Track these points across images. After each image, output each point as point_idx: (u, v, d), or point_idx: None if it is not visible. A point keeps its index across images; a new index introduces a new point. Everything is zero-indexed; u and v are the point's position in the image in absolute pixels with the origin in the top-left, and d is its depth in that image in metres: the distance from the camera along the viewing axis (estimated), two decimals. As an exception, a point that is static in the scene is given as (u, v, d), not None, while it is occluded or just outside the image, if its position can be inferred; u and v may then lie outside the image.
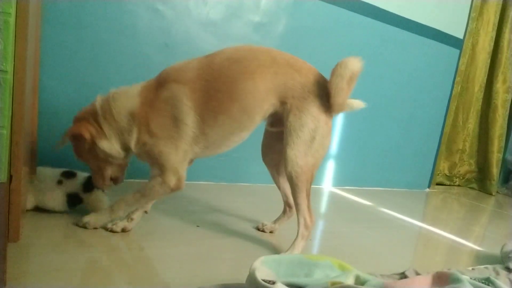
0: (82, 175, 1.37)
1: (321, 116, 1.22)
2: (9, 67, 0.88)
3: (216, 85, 1.18)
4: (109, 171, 1.28)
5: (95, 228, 1.24)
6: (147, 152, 1.20)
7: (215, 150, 1.30)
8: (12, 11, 0.86)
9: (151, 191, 1.22)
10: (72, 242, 1.15)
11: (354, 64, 1.18)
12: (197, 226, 1.44)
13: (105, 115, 1.18)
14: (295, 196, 1.24)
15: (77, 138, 1.19)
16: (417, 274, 1.18)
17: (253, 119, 1.23)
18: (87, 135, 1.17)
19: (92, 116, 1.19)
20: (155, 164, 1.22)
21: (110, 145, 1.19)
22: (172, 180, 1.20)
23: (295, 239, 1.25)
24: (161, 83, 1.21)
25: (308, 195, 1.24)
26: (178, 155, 1.20)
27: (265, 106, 1.22)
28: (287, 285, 0.87)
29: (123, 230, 1.27)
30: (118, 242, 1.20)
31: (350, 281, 0.93)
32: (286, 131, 1.22)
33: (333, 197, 2.35)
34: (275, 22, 2.16)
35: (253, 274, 0.88)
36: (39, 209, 1.33)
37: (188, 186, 1.85)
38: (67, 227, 1.24)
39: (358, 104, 1.27)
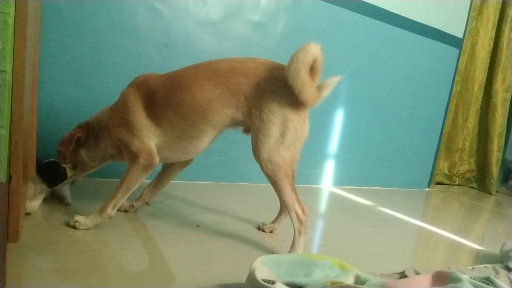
0: None
1: (286, 109, 1.18)
2: (8, 67, 0.88)
3: (154, 95, 1.27)
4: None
5: (86, 229, 1.24)
6: (116, 142, 1.32)
7: (174, 153, 1.33)
8: (11, 11, 0.86)
9: (129, 176, 1.26)
10: (72, 242, 1.15)
11: (308, 54, 1.12)
12: (197, 226, 1.44)
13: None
14: (278, 193, 1.23)
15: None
16: (417, 273, 1.18)
17: (200, 129, 1.25)
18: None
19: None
20: (125, 153, 1.30)
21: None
22: (140, 158, 1.25)
23: (294, 237, 1.25)
24: None
25: (293, 190, 1.23)
26: (135, 138, 1.26)
27: (213, 117, 1.23)
28: (286, 285, 0.87)
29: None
30: (118, 243, 1.20)
31: (350, 280, 0.94)
32: (252, 133, 1.22)
33: (332, 197, 2.35)
34: (275, 21, 2.16)
35: (252, 274, 0.88)
36: (40, 211, 1.33)
37: (187, 186, 1.85)
38: (67, 228, 1.24)
39: (332, 82, 1.20)
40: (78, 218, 1.25)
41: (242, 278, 0.94)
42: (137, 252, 1.15)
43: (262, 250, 1.31)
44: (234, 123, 1.28)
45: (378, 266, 1.30)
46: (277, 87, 1.18)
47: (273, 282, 0.84)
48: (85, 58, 1.75)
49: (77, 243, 1.14)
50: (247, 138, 1.45)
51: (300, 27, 2.24)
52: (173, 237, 1.30)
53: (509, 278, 1.23)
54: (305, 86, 1.13)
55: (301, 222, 1.24)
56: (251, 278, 0.87)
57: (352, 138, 2.64)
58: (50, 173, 1.36)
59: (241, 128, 1.35)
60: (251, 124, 1.22)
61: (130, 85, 1.35)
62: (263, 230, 1.49)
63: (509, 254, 1.40)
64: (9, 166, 0.95)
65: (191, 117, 1.23)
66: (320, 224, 1.74)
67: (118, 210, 1.44)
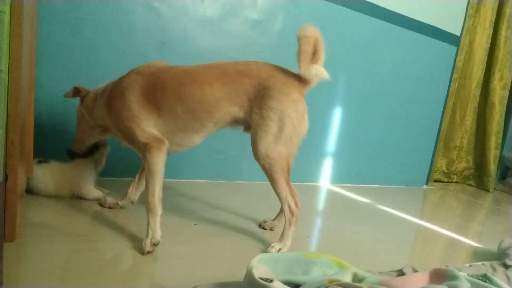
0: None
1: (284, 106, 1.24)
2: (4, 66, 0.88)
3: (165, 86, 1.27)
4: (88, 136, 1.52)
5: (155, 245, 1.17)
6: (116, 130, 1.32)
7: (171, 145, 1.33)
8: (7, 9, 0.85)
9: (150, 163, 1.23)
10: (69, 241, 1.15)
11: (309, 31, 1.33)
12: (195, 224, 1.44)
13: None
14: (273, 186, 1.28)
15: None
16: (415, 271, 1.19)
17: (203, 124, 1.29)
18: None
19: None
20: (132, 144, 1.30)
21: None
22: (151, 142, 1.24)
23: (284, 227, 1.29)
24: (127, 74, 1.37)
25: (288, 183, 1.28)
26: (139, 126, 1.26)
27: (217, 114, 1.27)
28: (284, 283, 0.87)
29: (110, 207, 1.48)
30: (116, 241, 1.20)
31: (347, 278, 0.94)
32: (252, 130, 1.27)
33: (330, 195, 2.35)
34: (273, 19, 2.16)
35: (250, 272, 0.87)
36: (36, 210, 1.32)
37: (185, 184, 1.85)
38: (64, 226, 1.24)
39: (320, 71, 1.29)
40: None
41: (240, 277, 0.94)
42: (136, 251, 1.15)
43: (260, 248, 1.31)
44: (235, 122, 1.33)
45: (376, 264, 1.30)
46: (275, 86, 1.25)
47: (271, 281, 0.84)
48: (82, 56, 1.74)
49: (73, 242, 1.14)
50: (244, 137, 1.45)
51: (297, 25, 2.22)
52: (171, 236, 1.30)
53: (506, 275, 1.24)
54: (305, 53, 1.29)
55: (292, 214, 1.29)
56: (249, 276, 0.87)
57: (350, 136, 2.64)
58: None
59: (241, 127, 1.39)
60: (251, 122, 1.27)
61: (138, 73, 1.32)
62: (263, 228, 1.50)
63: (507, 252, 1.41)
64: (5, 165, 0.95)
65: (197, 112, 1.27)
66: (318, 222, 1.74)
67: (102, 206, 1.49)
